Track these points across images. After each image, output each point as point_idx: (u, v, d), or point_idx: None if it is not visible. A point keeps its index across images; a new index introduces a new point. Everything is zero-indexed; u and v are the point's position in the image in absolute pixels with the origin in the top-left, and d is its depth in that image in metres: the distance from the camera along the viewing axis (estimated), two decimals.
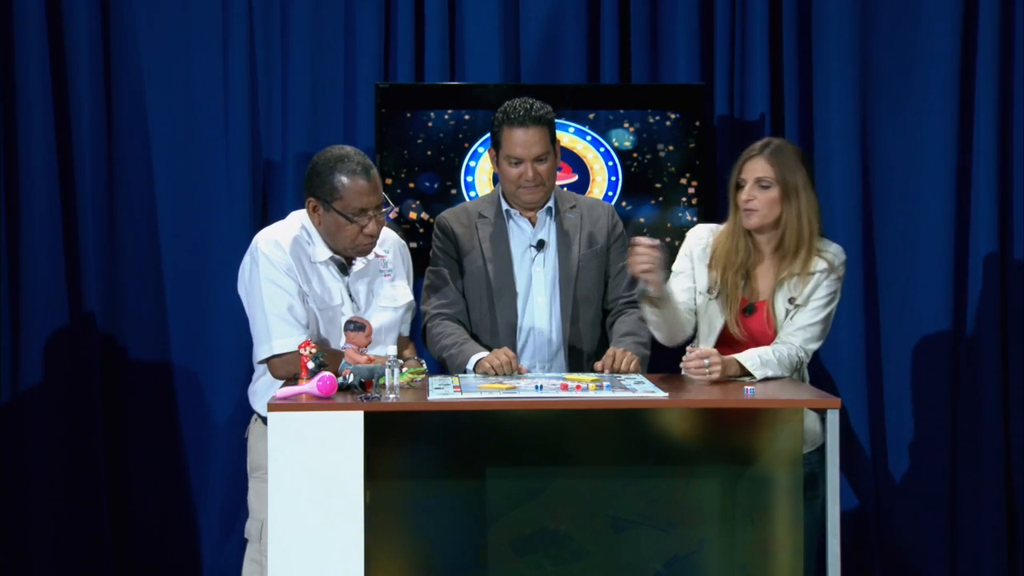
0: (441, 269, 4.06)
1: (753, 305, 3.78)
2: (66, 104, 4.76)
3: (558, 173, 4.11)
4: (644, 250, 3.61)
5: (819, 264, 3.75)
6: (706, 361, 3.56)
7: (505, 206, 4.05)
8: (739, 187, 3.77)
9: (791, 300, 3.74)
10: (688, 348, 3.64)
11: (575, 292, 4.01)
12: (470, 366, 3.83)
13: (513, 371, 3.74)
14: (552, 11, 4.84)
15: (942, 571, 4.84)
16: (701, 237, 3.86)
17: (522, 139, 3.93)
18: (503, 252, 4.02)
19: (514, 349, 3.96)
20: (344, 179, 3.68)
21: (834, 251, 3.79)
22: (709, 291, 3.80)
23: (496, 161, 4.02)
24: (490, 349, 3.92)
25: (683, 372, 3.62)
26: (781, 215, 3.73)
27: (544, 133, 3.95)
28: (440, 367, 3.97)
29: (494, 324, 4.01)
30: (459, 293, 4.04)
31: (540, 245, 4.04)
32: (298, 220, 3.80)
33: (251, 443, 3.80)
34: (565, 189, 4.37)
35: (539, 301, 4.02)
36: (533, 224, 4.05)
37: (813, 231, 3.73)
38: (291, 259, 3.69)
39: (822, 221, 3.81)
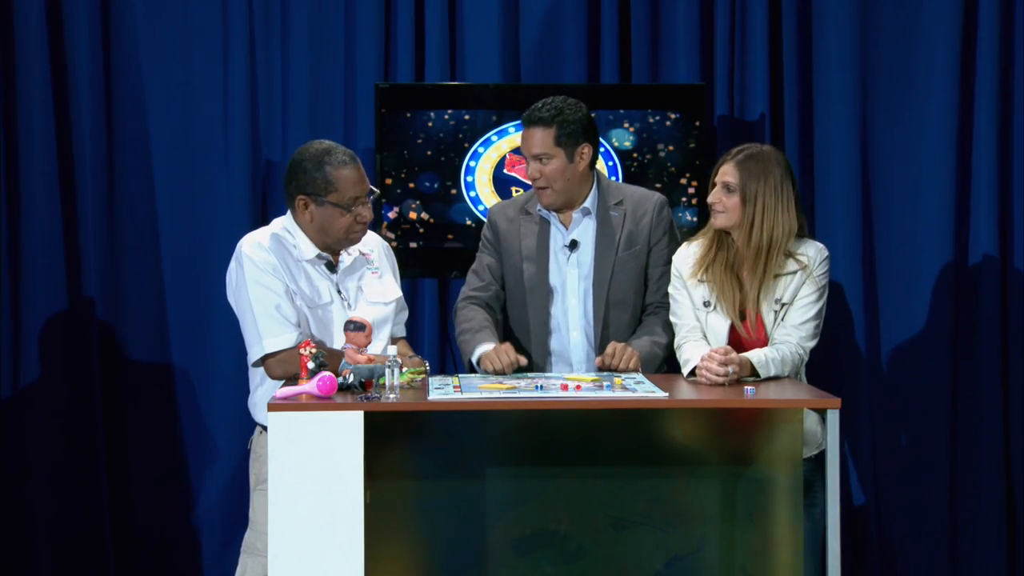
0: (483, 256, 4.09)
1: (742, 311, 3.79)
2: (66, 104, 4.76)
3: None
4: (717, 369, 3.57)
5: (792, 265, 3.77)
6: (730, 369, 3.55)
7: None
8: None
9: (777, 301, 3.76)
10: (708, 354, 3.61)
11: (608, 295, 3.97)
12: (474, 358, 3.83)
13: (511, 370, 3.74)
14: (552, 11, 4.83)
15: (942, 571, 4.83)
16: (684, 257, 3.89)
17: (522, 138, 3.98)
18: (541, 251, 4.01)
19: (546, 348, 3.97)
20: (335, 171, 3.71)
21: (812, 253, 3.80)
22: (705, 304, 3.81)
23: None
24: (515, 344, 3.90)
25: (698, 373, 3.60)
26: (743, 219, 3.77)
27: (543, 133, 3.92)
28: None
29: (528, 322, 4.00)
30: (496, 281, 4.05)
31: (573, 246, 4.01)
32: (279, 223, 3.82)
33: (258, 454, 3.76)
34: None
35: (572, 302, 4.00)
36: (566, 225, 4.02)
37: (778, 237, 3.75)
38: (275, 259, 3.70)
39: (803, 225, 3.81)
